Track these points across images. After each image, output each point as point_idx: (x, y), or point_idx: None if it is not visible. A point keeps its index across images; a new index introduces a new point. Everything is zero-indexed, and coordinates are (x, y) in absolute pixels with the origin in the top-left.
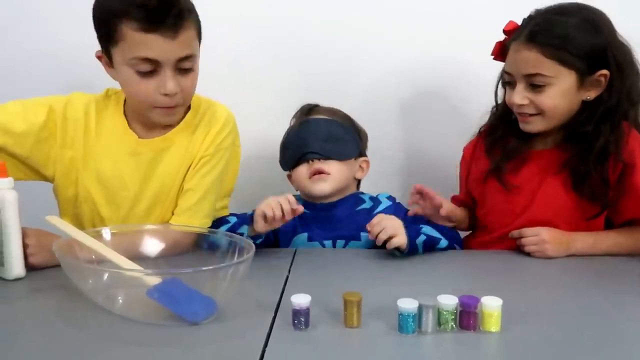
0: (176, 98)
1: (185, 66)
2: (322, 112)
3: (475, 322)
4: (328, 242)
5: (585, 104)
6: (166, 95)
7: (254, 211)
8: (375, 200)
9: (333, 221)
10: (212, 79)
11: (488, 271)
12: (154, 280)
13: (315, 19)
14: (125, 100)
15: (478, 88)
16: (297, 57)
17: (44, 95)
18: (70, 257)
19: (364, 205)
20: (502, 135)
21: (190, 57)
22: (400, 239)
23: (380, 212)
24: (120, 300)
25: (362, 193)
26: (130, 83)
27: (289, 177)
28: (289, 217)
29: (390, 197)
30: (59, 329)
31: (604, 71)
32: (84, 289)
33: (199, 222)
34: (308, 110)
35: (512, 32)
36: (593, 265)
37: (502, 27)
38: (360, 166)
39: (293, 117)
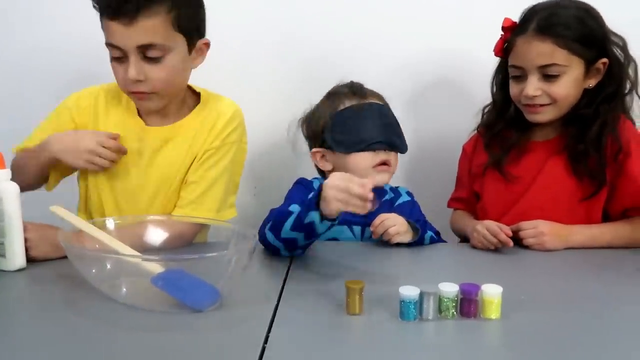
0: (143, 86)
1: (151, 54)
2: (376, 96)
3: (475, 309)
4: (357, 228)
5: (584, 91)
6: (133, 81)
7: (315, 194)
8: (396, 192)
9: None
10: (216, 73)
11: (488, 260)
12: (158, 268)
13: (319, 13)
14: None
15: (484, 81)
16: (301, 51)
17: (49, 90)
18: (75, 246)
19: (386, 197)
20: (500, 130)
21: (155, 46)
22: (404, 237)
23: (400, 204)
24: (125, 289)
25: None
26: (112, 70)
27: (317, 155)
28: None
29: (409, 193)
30: (63, 317)
31: (604, 59)
32: (89, 277)
33: (203, 215)
34: (362, 91)
35: (511, 29)
36: (592, 256)
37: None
38: None
39: (340, 95)
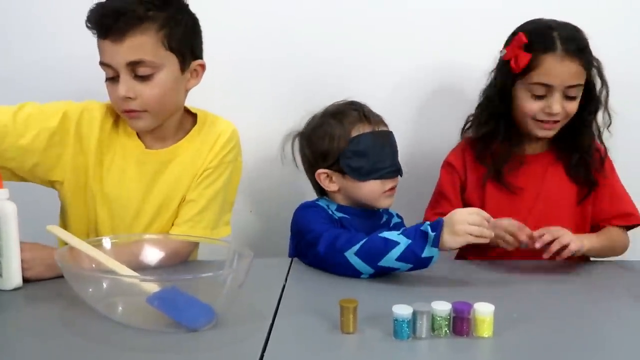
0: (134, 104)
1: (141, 72)
2: (380, 119)
3: (468, 327)
4: None
5: None
6: (122, 99)
7: (439, 231)
8: (389, 214)
9: (370, 228)
10: (211, 91)
11: (481, 278)
12: (153, 287)
13: (315, 30)
14: None
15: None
16: (297, 69)
17: None
18: (71, 265)
19: (384, 219)
20: (494, 144)
21: (144, 63)
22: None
23: (395, 224)
24: (121, 308)
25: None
26: (108, 91)
27: (322, 176)
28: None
29: (399, 215)
30: (59, 336)
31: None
32: (85, 296)
33: (200, 234)
34: (373, 117)
35: (530, 45)
36: (583, 272)
37: (507, 32)
38: None
39: (351, 119)
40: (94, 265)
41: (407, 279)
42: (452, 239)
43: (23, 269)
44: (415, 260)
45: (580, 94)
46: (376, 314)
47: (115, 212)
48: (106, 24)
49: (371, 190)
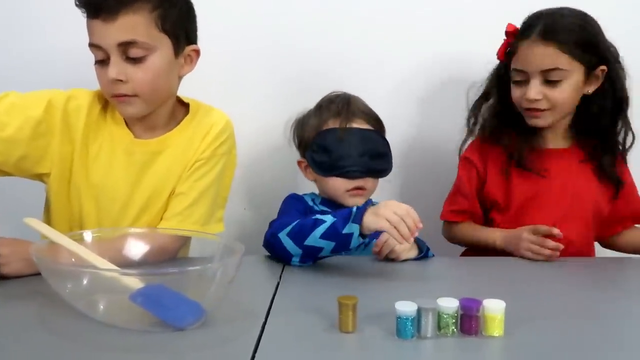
0: (125, 87)
1: (132, 54)
2: (361, 116)
3: (477, 326)
4: None
5: (589, 99)
6: (115, 81)
7: (362, 209)
8: None
9: None
10: (208, 84)
11: (489, 275)
12: (137, 283)
13: (313, 23)
14: None
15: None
16: (295, 62)
17: None
18: (48, 260)
19: None
20: (502, 133)
21: (137, 44)
22: (411, 253)
23: None
24: (102, 306)
25: (372, 200)
26: (96, 74)
27: (302, 165)
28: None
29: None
30: (38, 336)
31: (603, 66)
32: (64, 294)
33: (189, 228)
34: (348, 111)
35: (514, 34)
36: (598, 269)
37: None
38: None
39: (326, 111)
40: (74, 260)
41: (410, 275)
42: (372, 220)
43: (1, 264)
44: (337, 237)
45: (567, 79)
46: (377, 312)
47: (101, 204)
48: (97, 2)
49: (334, 187)
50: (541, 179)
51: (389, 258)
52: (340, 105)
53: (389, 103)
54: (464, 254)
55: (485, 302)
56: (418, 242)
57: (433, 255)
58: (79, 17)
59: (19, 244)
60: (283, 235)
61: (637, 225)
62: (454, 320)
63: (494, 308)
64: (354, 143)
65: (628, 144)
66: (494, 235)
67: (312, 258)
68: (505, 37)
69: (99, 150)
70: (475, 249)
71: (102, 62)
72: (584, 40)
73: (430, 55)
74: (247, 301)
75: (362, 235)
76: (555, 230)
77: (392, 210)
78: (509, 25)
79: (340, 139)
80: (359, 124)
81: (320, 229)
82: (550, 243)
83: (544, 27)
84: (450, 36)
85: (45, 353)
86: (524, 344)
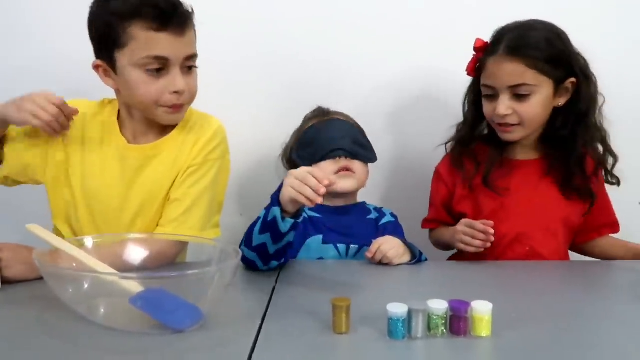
0: (183, 96)
1: (190, 64)
2: (340, 115)
3: (465, 326)
4: (342, 247)
5: (556, 110)
6: (176, 93)
7: (278, 189)
8: (380, 212)
9: (345, 226)
10: (205, 90)
11: (478, 277)
12: (137, 287)
13: (308, 29)
14: (119, 109)
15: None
16: (288, 72)
17: None
18: (50, 264)
19: (370, 216)
20: (473, 146)
21: (195, 57)
22: (404, 258)
23: (384, 224)
24: (103, 309)
25: (366, 203)
26: (138, 84)
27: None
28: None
29: (393, 214)
30: (39, 339)
31: (573, 78)
32: (65, 297)
33: (186, 234)
34: (327, 112)
35: (483, 49)
36: (584, 271)
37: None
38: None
39: (307, 119)
40: (75, 265)
41: (401, 278)
42: (283, 193)
43: (2, 268)
44: (267, 226)
45: (536, 93)
46: (370, 314)
47: (95, 209)
48: (167, 15)
49: (325, 172)
50: (507, 191)
51: (383, 263)
52: (318, 111)
53: (381, 107)
54: (450, 259)
55: (473, 303)
56: (411, 248)
57: (427, 260)
58: (74, 23)
59: (19, 249)
60: (243, 248)
61: (611, 235)
62: (443, 322)
63: (481, 309)
64: (334, 129)
65: (610, 165)
66: (449, 233)
67: (269, 258)
68: (474, 53)
69: (93, 155)
70: (449, 250)
71: (157, 73)
72: (551, 55)
73: (424, 64)
74: (244, 304)
75: (288, 215)
76: (489, 224)
77: (293, 176)
78: (478, 40)
79: (320, 128)
80: (337, 117)
81: (257, 226)
82: (480, 235)
83: (510, 42)
84: (440, 46)
85: (47, 356)
86: (511, 344)
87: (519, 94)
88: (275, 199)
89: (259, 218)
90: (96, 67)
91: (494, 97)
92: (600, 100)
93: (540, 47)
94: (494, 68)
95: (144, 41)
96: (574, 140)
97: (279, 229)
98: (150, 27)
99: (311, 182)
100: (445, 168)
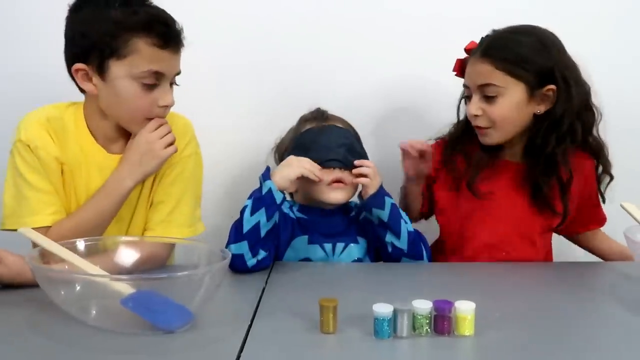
0: (167, 110)
1: (174, 80)
2: (338, 121)
3: (449, 326)
4: (328, 245)
5: (537, 118)
6: (164, 107)
7: (268, 169)
8: (360, 208)
9: (330, 226)
10: (194, 96)
11: (462, 279)
12: (128, 289)
13: (294, 37)
14: (86, 114)
15: (448, 104)
16: (277, 76)
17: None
18: (42, 266)
19: (353, 213)
20: (463, 146)
21: (179, 74)
22: (371, 185)
23: (365, 217)
24: (94, 311)
25: (350, 202)
26: (130, 96)
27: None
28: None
29: None
30: (32, 340)
31: (552, 86)
32: (57, 299)
33: (175, 233)
34: (323, 115)
35: (470, 50)
36: (566, 272)
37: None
38: None
39: (304, 120)
40: (66, 267)
41: (388, 279)
42: (284, 169)
43: None
44: (261, 201)
45: (504, 95)
46: (356, 314)
47: None
48: (170, 34)
49: (314, 182)
50: (490, 195)
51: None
52: (317, 113)
53: (372, 110)
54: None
55: (456, 303)
56: (381, 189)
57: (419, 239)
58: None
59: (10, 254)
60: (230, 246)
61: (600, 230)
62: (427, 321)
63: (465, 309)
64: (331, 137)
65: (605, 183)
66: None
67: (257, 245)
68: (466, 55)
69: (76, 169)
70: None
71: (150, 87)
72: (524, 58)
73: (415, 69)
74: (233, 305)
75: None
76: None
77: (297, 159)
78: (471, 42)
79: (317, 133)
80: (335, 123)
81: (247, 211)
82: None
83: (485, 44)
84: (435, 52)
85: (39, 356)
86: (494, 343)
87: (487, 95)
88: (267, 175)
89: (245, 207)
90: (76, 71)
91: (469, 98)
92: (597, 113)
93: (511, 49)
94: (469, 68)
95: (148, 56)
96: (543, 149)
97: (274, 199)
98: (156, 43)
99: (317, 173)
100: (438, 151)
